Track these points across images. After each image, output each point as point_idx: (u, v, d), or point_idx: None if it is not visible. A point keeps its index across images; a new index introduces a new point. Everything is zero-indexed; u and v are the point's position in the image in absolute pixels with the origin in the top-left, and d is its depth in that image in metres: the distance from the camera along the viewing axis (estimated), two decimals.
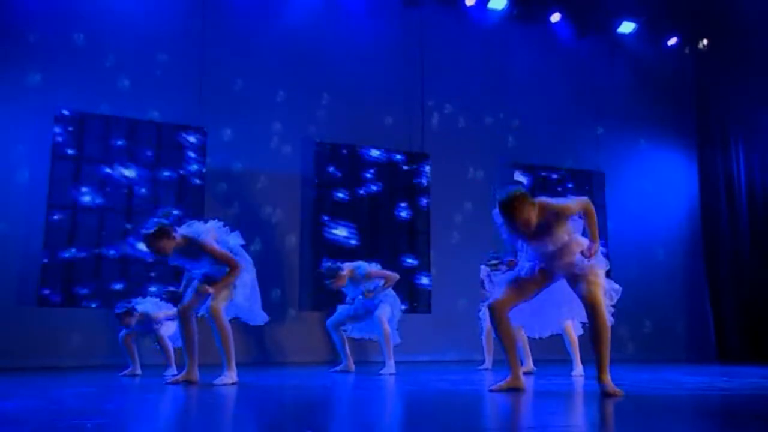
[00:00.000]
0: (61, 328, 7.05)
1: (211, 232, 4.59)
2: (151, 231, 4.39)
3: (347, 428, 2.77)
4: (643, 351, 9.46)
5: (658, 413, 3.17)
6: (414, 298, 8.67)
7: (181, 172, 7.80)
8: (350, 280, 5.90)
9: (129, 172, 7.56)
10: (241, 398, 3.84)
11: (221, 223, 4.76)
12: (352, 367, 6.15)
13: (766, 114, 9.70)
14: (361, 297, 5.97)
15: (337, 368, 6.14)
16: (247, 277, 4.63)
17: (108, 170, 7.48)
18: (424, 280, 8.77)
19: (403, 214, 8.78)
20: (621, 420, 2.99)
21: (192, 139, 7.85)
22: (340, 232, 8.31)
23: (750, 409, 3.38)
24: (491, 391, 4.03)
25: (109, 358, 7.00)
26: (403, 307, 6.51)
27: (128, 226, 7.41)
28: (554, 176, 9.67)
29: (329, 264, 5.96)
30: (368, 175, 8.65)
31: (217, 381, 4.55)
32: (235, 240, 4.75)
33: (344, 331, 6.19)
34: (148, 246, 4.47)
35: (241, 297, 4.61)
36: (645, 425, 2.78)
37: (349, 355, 6.17)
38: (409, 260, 8.70)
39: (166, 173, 7.75)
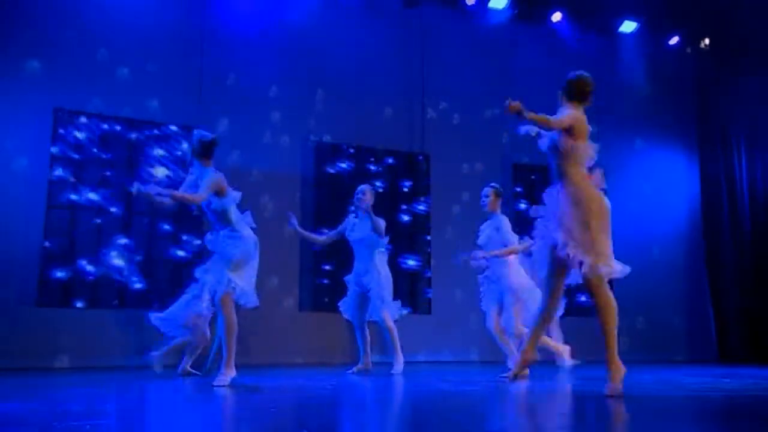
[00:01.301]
0: (60, 329, 6.99)
1: (223, 183, 4.77)
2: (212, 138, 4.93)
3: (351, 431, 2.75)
4: (643, 351, 9.44)
5: (661, 415, 3.14)
6: (414, 299, 8.65)
7: (179, 168, 7.76)
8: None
9: (127, 169, 7.50)
10: (241, 399, 3.81)
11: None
12: (370, 365, 6.12)
13: None
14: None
15: (354, 369, 6.08)
16: (248, 252, 4.75)
17: (106, 168, 7.42)
18: (424, 280, 8.75)
19: (404, 213, 8.75)
20: (625, 421, 2.97)
21: (189, 134, 7.82)
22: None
23: (753, 410, 3.36)
24: (508, 378, 4.11)
25: (107, 359, 6.98)
26: (405, 311, 6.51)
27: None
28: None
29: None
30: (367, 172, 8.61)
31: (216, 382, 4.53)
32: (247, 219, 4.93)
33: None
34: (201, 144, 4.90)
35: (243, 275, 4.71)
36: (649, 427, 2.76)
37: (368, 352, 6.16)
38: (410, 261, 8.66)
39: (164, 169, 7.70)
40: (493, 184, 6.16)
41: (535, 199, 9.62)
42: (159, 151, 7.63)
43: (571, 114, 4.35)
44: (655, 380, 5.44)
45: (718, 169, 10.27)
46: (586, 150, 4.30)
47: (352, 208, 6.42)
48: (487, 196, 6.01)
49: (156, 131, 7.69)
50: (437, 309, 8.75)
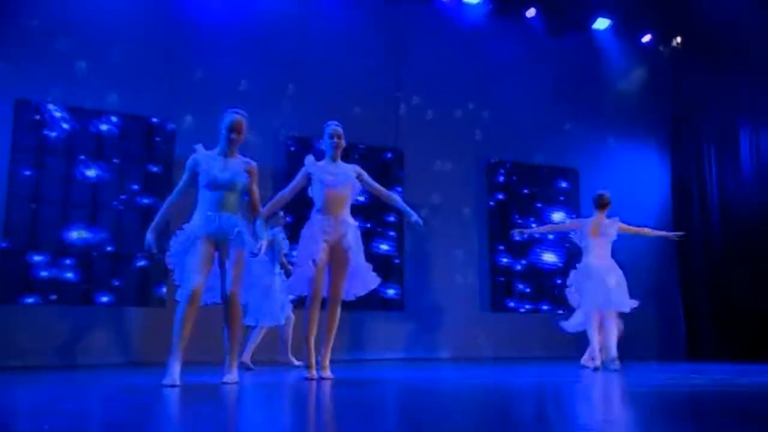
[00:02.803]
0: (21, 326, 6.79)
1: None
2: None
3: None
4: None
5: (628, 410, 3.13)
6: (385, 295, 8.59)
7: (146, 162, 7.64)
8: None
9: (91, 164, 7.35)
10: (205, 397, 3.72)
11: None
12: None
13: (739, 113, 9.78)
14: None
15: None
16: None
17: (70, 163, 7.25)
18: (398, 276, 8.69)
19: (377, 210, 8.66)
20: (589, 417, 2.94)
21: (157, 128, 7.71)
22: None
23: (721, 406, 3.36)
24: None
25: (65, 358, 6.81)
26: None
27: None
28: (533, 172, 9.78)
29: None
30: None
31: (227, 379, 4.39)
32: None
33: None
34: None
35: None
36: (615, 423, 2.73)
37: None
38: (383, 249, 8.60)
39: (130, 164, 7.56)
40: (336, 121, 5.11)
41: (510, 195, 9.67)
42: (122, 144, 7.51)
43: (574, 220, 7.35)
44: (623, 377, 5.45)
45: (689, 168, 10.36)
46: (591, 242, 6.50)
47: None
48: (340, 137, 5.01)
49: (120, 123, 7.54)
50: (409, 305, 8.71)
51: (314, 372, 4.70)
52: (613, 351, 6.15)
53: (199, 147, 4.73)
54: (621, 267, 6.59)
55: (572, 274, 6.61)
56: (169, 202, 4.54)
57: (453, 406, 3.42)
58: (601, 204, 6.54)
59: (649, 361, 8.85)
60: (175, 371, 4.11)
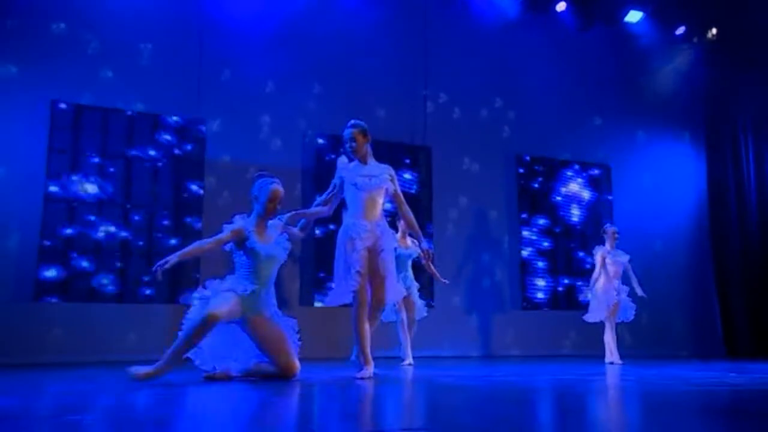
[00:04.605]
0: (58, 324, 6.96)
1: None
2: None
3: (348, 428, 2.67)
4: (648, 346, 9.36)
5: (666, 409, 3.07)
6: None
7: (176, 163, 7.73)
8: None
9: (125, 165, 7.46)
10: (243, 395, 3.74)
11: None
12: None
13: None
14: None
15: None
16: None
17: (104, 163, 7.36)
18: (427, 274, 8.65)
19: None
20: (630, 416, 2.89)
21: (188, 130, 7.80)
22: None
23: (760, 406, 3.28)
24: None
25: (104, 354, 6.92)
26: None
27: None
28: (563, 169, 9.68)
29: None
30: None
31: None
32: None
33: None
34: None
35: None
36: (655, 422, 2.69)
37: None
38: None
39: (161, 165, 7.65)
40: (354, 121, 4.74)
41: (539, 192, 9.57)
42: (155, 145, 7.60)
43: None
44: (659, 375, 5.36)
45: (726, 161, 10.17)
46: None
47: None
48: (355, 140, 4.67)
49: (153, 124, 7.64)
50: (439, 303, 8.68)
51: (370, 370, 4.59)
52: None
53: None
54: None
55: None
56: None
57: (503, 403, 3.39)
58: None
59: (687, 359, 8.69)
60: None
